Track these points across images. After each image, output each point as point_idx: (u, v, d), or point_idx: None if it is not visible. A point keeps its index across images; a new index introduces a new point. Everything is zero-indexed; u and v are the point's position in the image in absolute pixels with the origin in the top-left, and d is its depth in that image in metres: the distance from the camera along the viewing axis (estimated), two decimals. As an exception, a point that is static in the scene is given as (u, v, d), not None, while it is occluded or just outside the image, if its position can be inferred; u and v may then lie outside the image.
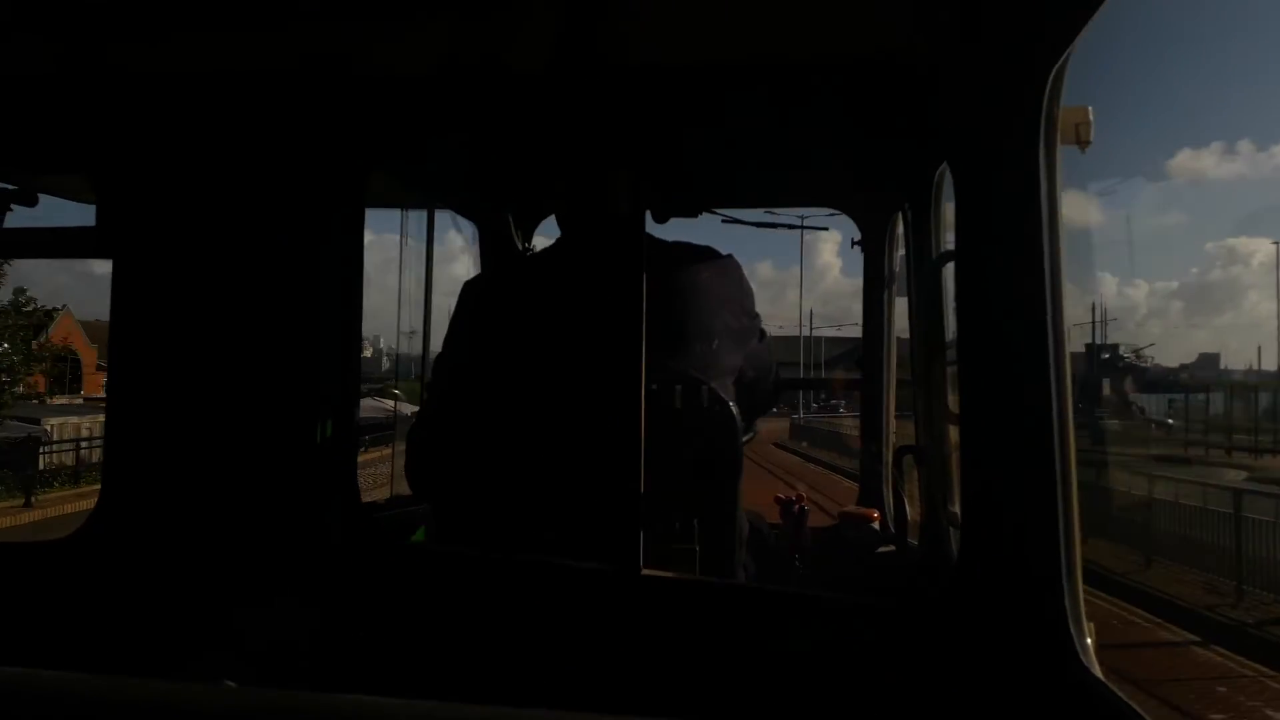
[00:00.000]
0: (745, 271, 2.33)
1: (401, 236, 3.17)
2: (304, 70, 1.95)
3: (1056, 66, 1.44)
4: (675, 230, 2.73)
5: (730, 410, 2.04)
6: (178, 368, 1.98)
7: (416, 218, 3.23)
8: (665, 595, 1.78)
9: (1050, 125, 1.47)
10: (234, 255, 1.98)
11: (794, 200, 3.37)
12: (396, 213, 3.37)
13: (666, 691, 1.69)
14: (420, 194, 3.14)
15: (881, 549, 3.04)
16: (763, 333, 2.39)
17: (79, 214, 2.38)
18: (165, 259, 2.00)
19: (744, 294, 2.26)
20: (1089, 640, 1.50)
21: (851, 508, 3.28)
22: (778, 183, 3.16)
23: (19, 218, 2.36)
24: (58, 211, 2.51)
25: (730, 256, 2.29)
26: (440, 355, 2.33)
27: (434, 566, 2.01)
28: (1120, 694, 1.38)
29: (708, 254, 2.26)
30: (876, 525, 3.13)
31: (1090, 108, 1.56)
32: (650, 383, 1.82)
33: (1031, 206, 1.49)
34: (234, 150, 1.99)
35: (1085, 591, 1.53)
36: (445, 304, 3.14)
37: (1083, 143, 1.56)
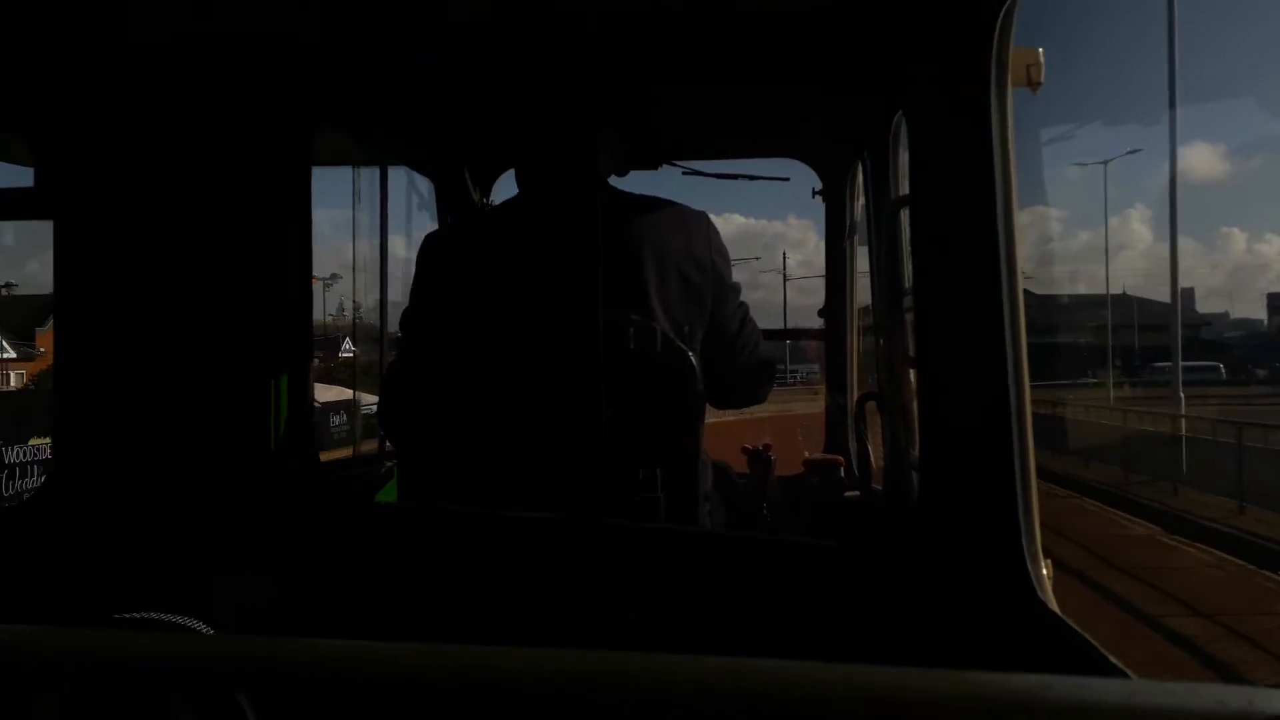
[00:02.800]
0: (718, 230, 2.27)
1: (354, 195, 3.12)
2: (247, 29, 1.90)
3: (1004, 8, 1.43)
4: (643, 184, 2.69)
5: (689, 358, 2.05)
6: (126, 330, 1.95)
7: (369, 175, 3.18)
8: (626, 545, 1.79)
9: (1000, 68, 1.47)
10: (180, 215, 1.94)
11: (755, 151, 3.35)
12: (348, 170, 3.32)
13: (632, 640, 1.71)
14: (373, 151, 3.09)
15: (847, 494, 3.08)
16: (740, 301, 2.32)
17: (17, 175, 2.32)
18: (108, 221, 1.96)
19: (705, 249, 2.20)
20: (1046, 575, 1.54)
21: (817, 455, 3.32)
22: (737, 134, 3.15)
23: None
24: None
25: (700, 213, 2.26)
26: (406, 309, 2.31)
27: (391, 523, 2.01)
28: (1077, 627, 1.41)
29: (670, 207, 2.24)
30: (842, 472, 3.17)
31: (1041, 50, 1.57)
32: (606, 332, 1.82)
33: (983, 150, 1.50)
34: (177, 110, 1.94)
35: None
36: (402, 263, 3.12)
37: (1034, 84, 1.57)
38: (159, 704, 1.06)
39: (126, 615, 1.56)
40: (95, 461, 1.97)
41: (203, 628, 1.59)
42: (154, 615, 1.57)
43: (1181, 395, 24.01)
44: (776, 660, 0.57)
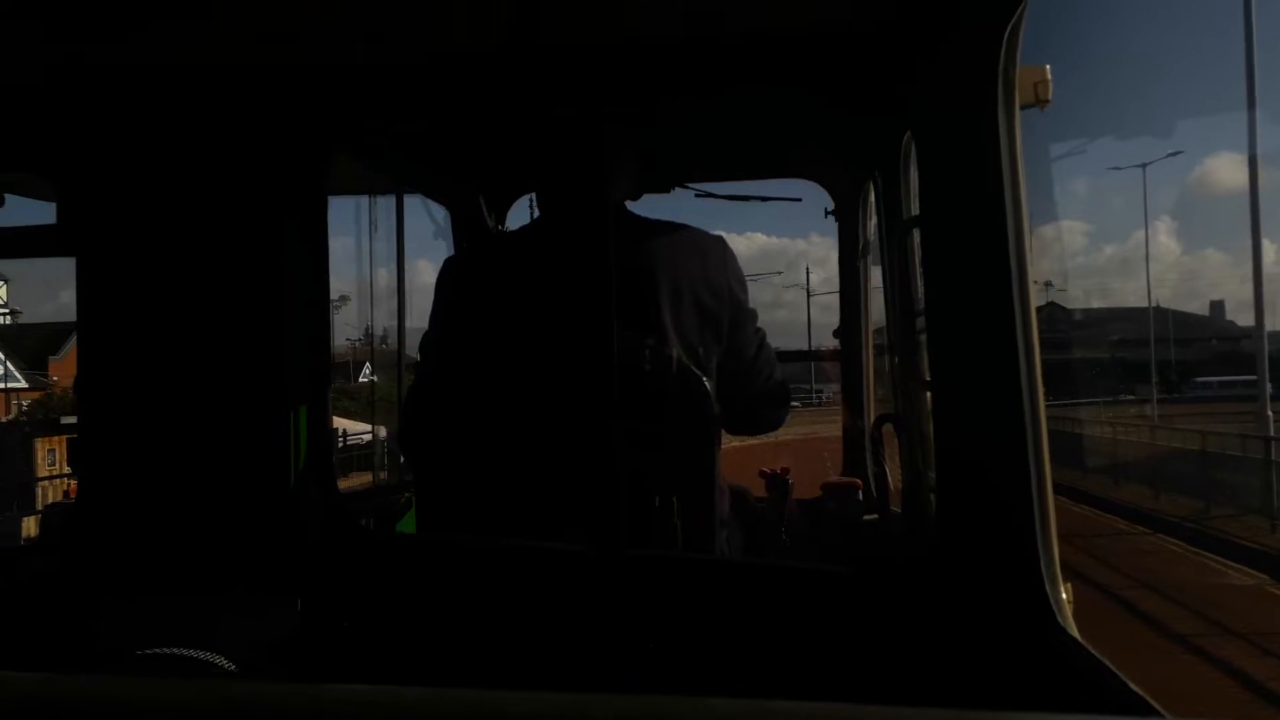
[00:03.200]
0: (735, 255, 2.25)
1: (370, 222, 3.15)
2: (262, 60, 1.93)
3: (1009, 27, 1.43)
4: (663, 206, 2.68)
5: (703, 383, 2.04)
6: (147, 364, 1.97)
7: (386, 204, 3.21)
8: (649, 575, 1.78)
9: (1007, 86, 1.47)
10: (198, 248, 1.96)
11: (767, 171, 3.36)
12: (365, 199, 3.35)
13: (654, 671, 1.69)
14: (387, 179, 3.11)
15: (866, 518, 3.05)
16: (757, 327, 2.30)
17: (45, 212, 2.35)
18: (128, 255, 1.98)
19: (722, 274, 2.19)
20: (1065, 599, 1.51)
21: (835, 478, 3.29)
22: (749, 155, 3.15)
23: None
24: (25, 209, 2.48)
25: (717, 238, 2.25)
26: (425, 334, 2.32)
27: (414, 556, 2.01)
28: (1096, 652, 1.39)
29: (687, 231, 2.24)
30: (860, 495, 3.14)
31: (1049, 66, 1.56)
32: (621, 357, 1.82)
33: (992, 169, 1.49)
34: (193, 142, 1.97)
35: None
36: (420, 288, 3.13)
37: (1042, 102, 1.56)
38: None
39: (149, 651, 1.56)
40: (115, 493, 1.98)
41: (225, 663, 1.59)
42: (177, 651, 1.57)
43: (1269, 413, 20.69)
44: (788, 701, 0.55)
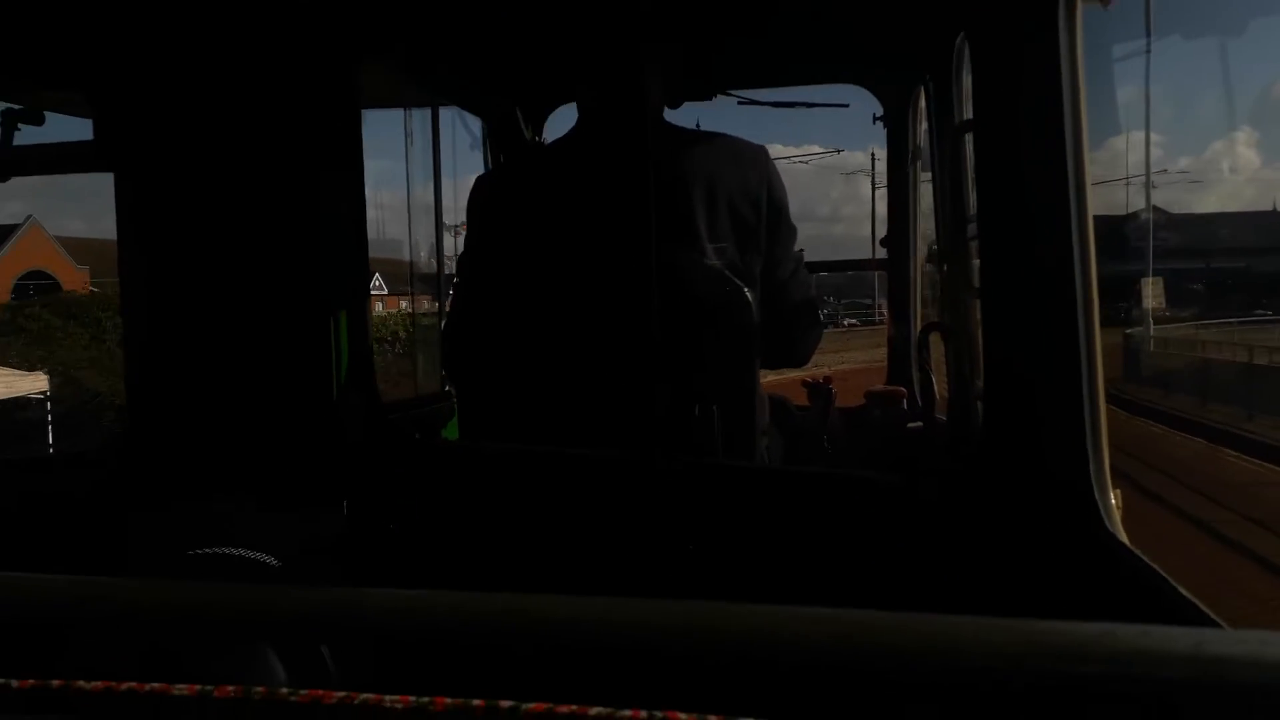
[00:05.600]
0: (776, 168, 2.18)
1: (406, 135, 3.12)
2: None
3: None
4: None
5: (744, 293, 2.02)
6: (187, 277, 1.99)
7: (421, 116, 3.17)
8: (685, 480, 1.80)
9: None
10: (233, 161, 1.96)
11: (812, 77, 3.26)
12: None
13: (693, 577, 1.72)
14: (423, 92, 3.07)
15: (910, 426, 3.04)
16: (798, 248, 2.24)
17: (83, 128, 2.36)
18: (164, 170, 1.99)
19: (761, 185, 2.13)
20: (1114, 504, 1.50)
21: (879, 387, 3.28)
22: (794, 60, 3.06)
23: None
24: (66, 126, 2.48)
25: (760, 148, 2.19)
26: (461, 253, 2.31)
27: (453, 462, 2.04)
28: (1144, 556, 1.38)
29: (726, 141, 2.19)
30: (905, 404, 3.13)
31: (1113, -40, 1.47)
32: (661, 269, 1.80)
33: (1050, 71, 1.43)
34: (226, 54, 1.95)
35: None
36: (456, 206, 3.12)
37: (1105, 1, 1.48)
38: (249, 654, 1.10)
39: (200, 551, 1.62)
40: (162, 406, 2.03)
41: (272, 561, 1.64)
42: (226, 550, 1.62)
43: None
44: (824, 609, 0.55)
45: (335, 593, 0.68)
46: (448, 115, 3.16)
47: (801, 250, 2.28)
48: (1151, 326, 32.49)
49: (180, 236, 1.99)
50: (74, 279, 36.17)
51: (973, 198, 2.06)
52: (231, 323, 1.97)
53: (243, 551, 1.59)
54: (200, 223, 1.97)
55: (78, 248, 39.91)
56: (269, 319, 1.97)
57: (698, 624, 0.58)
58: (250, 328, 1.97)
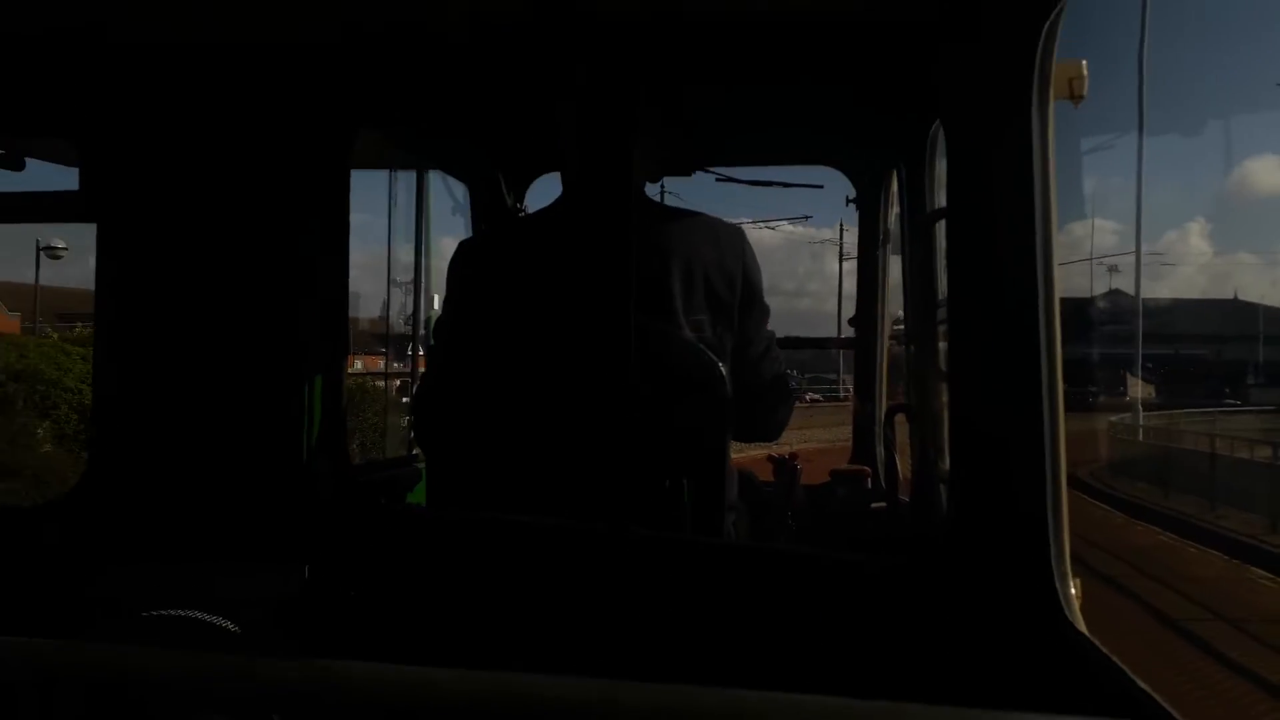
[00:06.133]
0: (753, 248, 2.23)
1: (390, 198, 3.15)
2: (286, 32, 1.92)
3: (1049, 22, 1.42)
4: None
5: (717, 368, 2.04)
6: (164, 331, 1.98)
7: (406, 179, 3.21)
8: (655, 556, 1.79)
9: (1043, 81, 1.46)
10: (219, 221, 1.97)
11: (789, 158, 3.34)
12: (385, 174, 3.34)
13: (657, 653, 1.70)
14: (409, 155, 3.11)
15: (874, 505, 3.06)
16: (769, 327, 2.28)
17: (65, 178, 2.36)
18: (150, 225, 1.99)
19: (737, 264, 2.18)
20: (1074, 595, 1.52)
21: (844, 466, 3.30)
22: (772, 141, 3.14)
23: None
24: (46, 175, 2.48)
25: (736, 228, 2.24)
26: (439, 316, 2.32)
27: (423, 529, 2.02)
28: (1104, 649, 1.39)
29: (705, 220, 2.23)
30: (869, 483, 3.15)
31: (1084, 61, 1.54)
32: (636, 342, 1.82)
33: (1023, 163, 1.48)
34: (218, 113, 1.97)
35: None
36: (439, 266, 3.14)
37: (1076, 97, 1.54)
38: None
39: (156, 613, 1.58)
40: (130, 460, 1.99)
41: (230, 626, 1.61)
42: (182, 613, 1.59)
43: None
44: (792, 695, 0.56)
45: (289, 666, 0.68)
46: (434, 178, 3.20)
47: (773, 330, 2.31)
48: (1141, 415, 29.72)
49: (160, 290, 1.98)
50: (5, 324, 35.07)
51: (942, 283, 2.11)
52: (206, 379, 1.96)
53: (199, 614, 1.56)
54: (181, 278, 1.97)
55: (7, 293, 39.22)
56: (244, 377, 1.95)
57: (665, 706, 0.58)
58: (225, 385, 1.95)
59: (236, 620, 1.64)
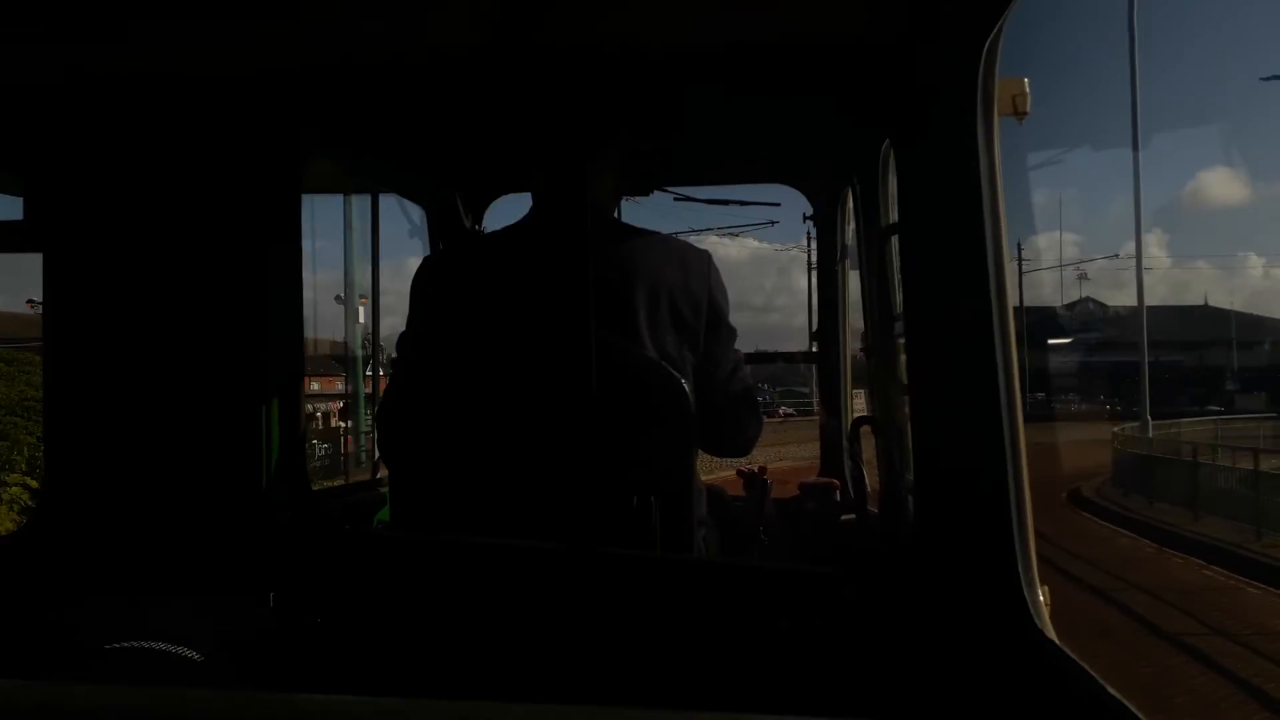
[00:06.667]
0: (719, 271, 2.23)
1: (345, 222, 3.14)
2: (237, 60, 1.92)
3: (989, 40, 1.45)
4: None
5: (681, 385, 2.05)
6: (117, 359, 1.95)
7: (360, 203, 3.20)
8: (621, 573, 1.79)
9: (986, 98, 1.49)
10: (170, 245, 1.95)
11: (746, 176, 3.38)
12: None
13: (627, 672, 1.70)
14: (364, 179, 3.10)
15: (843, 517, 3.08)
16: (736, 347, 2.29)
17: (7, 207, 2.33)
18: (98, 253, 1.97)
19: (703, 286, 2.18)
20: (1043, 601, 1.53)
21: (812, 479, 3.32)
22: (729, 161, 3.17)
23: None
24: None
25: (703, 251, 2.25)
26: (402, 333, 2.31)
27: (386, 553, 2.00)
28: (1072, 655, 1.41)
29: (670, 242, 2.25)
30: (838, 495, 3.16)
31: (1026, 79, 1.58)
32: (599, 360, 1.82)
33: (970, 178, 1.51)
34: (166, 143, 1.95)
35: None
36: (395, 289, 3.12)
37: (1020, 114, 1.58)
38: None
39: (118, 645, 1.55)
40: (86, 490, 1.96)
41: (193, 656, 1.58)
42: (145, 645, 1.56)
43: None
44: (761, 716, 0.56)
45: (257, 699, 0.67)
46: (388, 202, 3.20)
47: (740, 350, 2.33)
48: (1150, 425, 25.15)
49: (110, 319, 1.96)
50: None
51: (899, 297, 2.14)
52: (160, 408, 1.93)
53: (162, 645, 1.54)
54: (132, 306, 1.95)
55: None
56: (199, 405, 1.93)
57: None
58: (179, 414, 1.93)
59: (200, 651, 1.62)
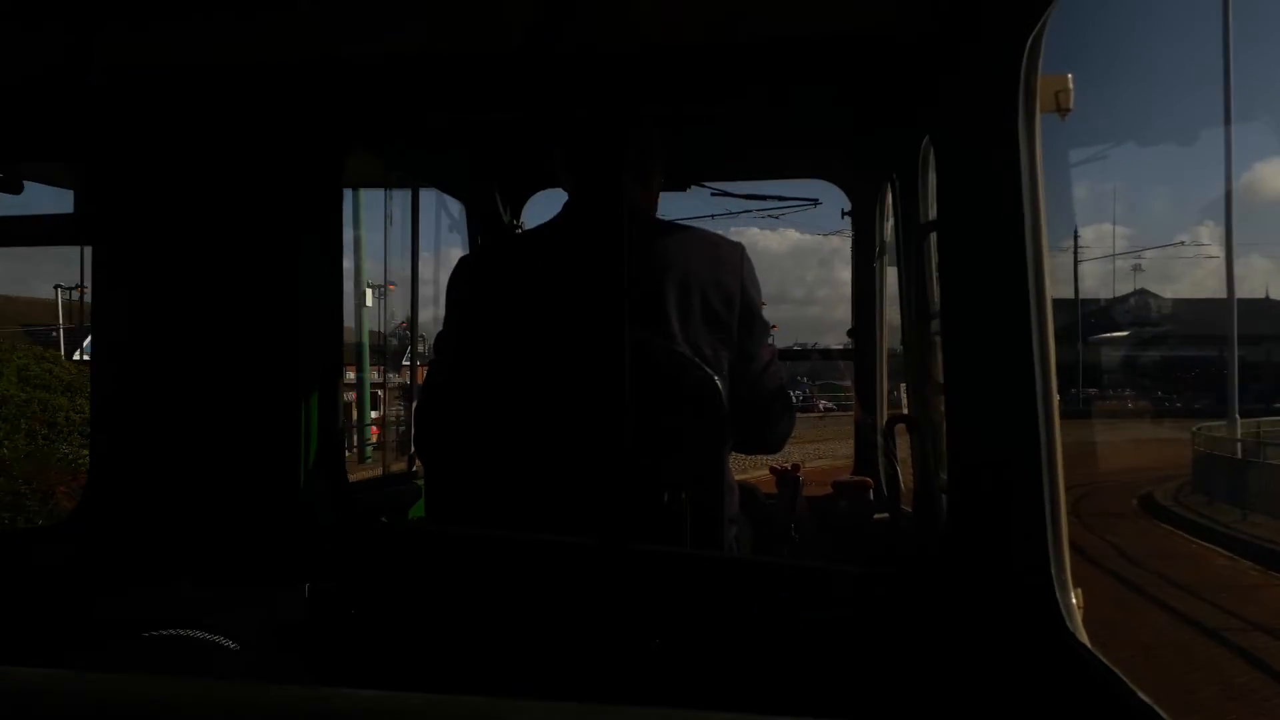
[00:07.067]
0: (752, 264, 2.23)
1: (385, 216, 3.17)
2: (280, 54, 1.94)
3: (1032, 35, 1.43)
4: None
5: (714, 382, 2.05)
6: (161, 353, 1.99)
7: (401, 196, 3.23)
8: (652, 569, 1.79)
9: (1029, 94, 1.47)
10: (213, 240, 1.98)
11: (784, 172, 3.36)
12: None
13: (659, 669, 1.70)
14: (404, 174, 3.13)
15: (876, 516, 3.06)
16: (770, 340, 2.28)
17: (61, 199, 2.37)
18: (145, 245, 2.00)
19: (735, 280, 2.18)
20: (1075, 605, 1.51)
21: (846, 477, 3.30)
22: (767, 156, 3.15)
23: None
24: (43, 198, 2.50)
25: (735, 244, 2.24)
26: (440, 331, 2.33)
27: (422, 547, 2.02)
28: (1104, 659, 1.39)
29: (704, 236, 2.24)
30: (871, 494, 3.14)
31: (1070, 75, 1.56)
32: (633, 356, 1.83)
33: (1010, 177, 1.49)
34: (211, 135, 1.98)
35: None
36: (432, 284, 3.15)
37: (1063, 110, 1.56)
38: None
39: (156, 633, 1.58)
40: (129, 481, 2.00)
41: (230, 645, 1.61)
42: (183, 632, 1.59)
43: None
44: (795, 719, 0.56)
45: (294, 691, 0.68)
46: (428, 196, 3.22)
47: (774, 343, 2.32)
48: (1239, 426, 21.61)
49: (155, 312, 1.99)
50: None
51: (937, 294, 2.12)
52: (203, 401, 1.97)
53: (199, 634, 1.57)
54: (176, 299, 1.98)
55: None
56: (241, 398, 1.96)
57: None
58: (222, 407, 1.96)
59: (238, 641, 1.65)
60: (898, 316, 3.14)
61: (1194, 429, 22.39)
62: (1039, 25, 1.41)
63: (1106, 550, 13.13)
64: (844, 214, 3.40)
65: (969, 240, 1.61)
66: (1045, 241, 1.52)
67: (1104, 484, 19.45)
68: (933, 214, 2.09)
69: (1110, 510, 16.78)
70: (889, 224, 3.23)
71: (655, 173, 2.35)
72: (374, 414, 22.86)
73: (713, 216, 3.22)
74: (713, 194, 3.16)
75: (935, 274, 2.11)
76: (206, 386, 1.97)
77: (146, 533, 1.95)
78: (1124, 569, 12.06)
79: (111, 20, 1.76)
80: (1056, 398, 1.54)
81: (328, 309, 2.08)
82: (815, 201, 3.41)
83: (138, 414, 2.00)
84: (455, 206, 3.31)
